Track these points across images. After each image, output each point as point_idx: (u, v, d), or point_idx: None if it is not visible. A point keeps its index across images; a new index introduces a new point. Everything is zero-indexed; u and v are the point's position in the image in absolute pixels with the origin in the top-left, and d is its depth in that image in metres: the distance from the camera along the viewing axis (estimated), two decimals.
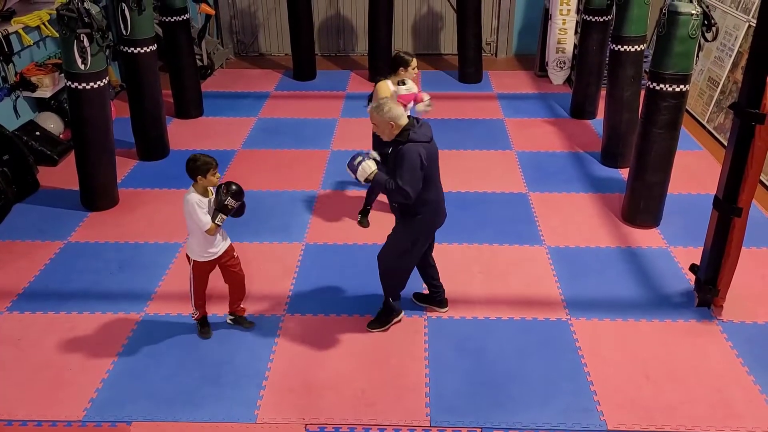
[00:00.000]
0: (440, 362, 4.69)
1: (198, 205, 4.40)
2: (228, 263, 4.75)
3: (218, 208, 4.42)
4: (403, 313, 5.09)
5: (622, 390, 4.47)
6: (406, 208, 4.55)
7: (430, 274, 5.09)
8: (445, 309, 5.19)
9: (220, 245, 4.64)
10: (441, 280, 5.13)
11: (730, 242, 4.87)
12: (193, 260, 4.63)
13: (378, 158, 4.54)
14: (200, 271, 4.68)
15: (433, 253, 5.03)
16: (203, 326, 4.96)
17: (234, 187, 4.44)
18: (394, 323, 5.04)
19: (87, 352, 4.77)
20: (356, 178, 4.46)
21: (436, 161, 4.55)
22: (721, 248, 4.93)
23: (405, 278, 4.91)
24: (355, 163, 4.44)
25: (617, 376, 4.59)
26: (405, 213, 4.59)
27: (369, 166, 4.41)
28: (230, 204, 4.42)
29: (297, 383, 4.52)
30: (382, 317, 5.02)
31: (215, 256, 4.64)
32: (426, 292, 5.22)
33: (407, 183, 4.30)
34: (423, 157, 4.32)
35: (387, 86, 5.85)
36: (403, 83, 5.92)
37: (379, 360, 4.72)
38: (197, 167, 4.35)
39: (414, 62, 5.90)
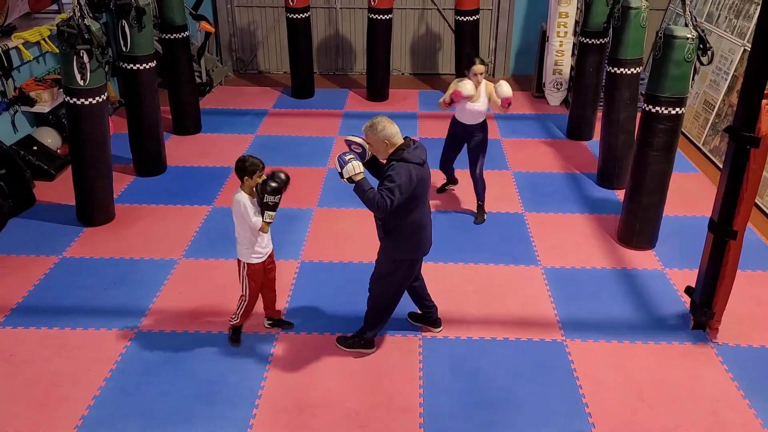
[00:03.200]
0: (434, 383, 4.67)
1: (249, 204, 4.50)
2: (269, 266, 4.85)
3: (263, 207, 4.50)
4: (374, 349, 4.94)
5: (617, 412, 4.45)
6: (389, 227, 4.46)
7: (419, 294, 5.03)
8: (439, 329, 5.17)
9: (269, 245, 4.75)
10: (435, 300, 5.10)
11: (725, 265, 4.87)
12: (246, 263, 4.69)
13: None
14: (254, 272, 4.73)
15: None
16: (238, 334, 5.02)
17: (271, 185, 4.48)
18: (362, 351, 4.92)
19: (79, 369, 4.74)
20: (340, 173, 4.32)
21: (427, 185, 4.47)
22: (716, 271, 4.93)
23: (389, 306, 4.80)
24: (346, 158, 4.32)
25: (612, 398, 4.57)
26: (387, 233, 4.50)
27: (356, 167, 4.27)
28: (270, 201, 4.47)
29: (290, 403, 4.49)
30: (352, 340, 4.93)
31: (266, 256, 4.74)
32: (420, 312, 5.20)
33: (387, 194, 4.19)
34: (414, 177, 4.26)
35: (457, 83, 6.31)
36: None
37: (372, 380, 4.69)
38: (245, 168, 4.48)
39: (475, 68, 6.24)
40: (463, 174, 7.64)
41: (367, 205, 4.27)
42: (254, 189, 4.54)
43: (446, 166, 7.06)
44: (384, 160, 4.44)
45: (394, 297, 4.78)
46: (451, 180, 7.24)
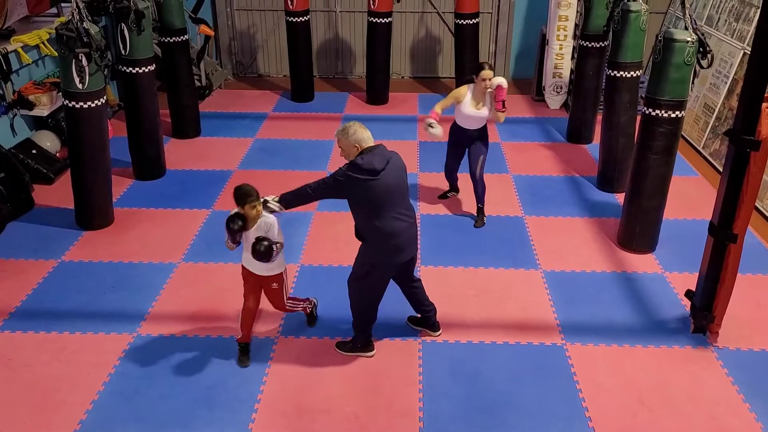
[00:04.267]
0: (434, 387, 4.66)
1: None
2: None
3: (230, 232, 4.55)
4: (374, 352, 4.93)
5: (617, 416, 4.44)
6: (361, 231, 4.56)
7: (417, 300, 5.01)
8: (438, 332, 5.15)
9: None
10: (434, 303, 5.09)
11: (725, 268, 4.86)
12: (281, 272, 4.77)
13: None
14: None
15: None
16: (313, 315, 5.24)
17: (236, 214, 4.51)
18: (359, 355, 4.92)
19: (78, 373, 4.73)
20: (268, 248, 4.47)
21: (387, 194, 4.33)
22: (716, 274, 4.92)
23: (369, 308, 4.77)
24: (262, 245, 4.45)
25: (612, 402, 4.55)
26: (360, 236, 4.61)
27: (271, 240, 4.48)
28: (234, 226, 4.48)
29: (290, 407, 4.48)
30: (350, 345, 4.95)
31: None
32: (419, 315, 5.19)
33: (315, 183, 4.44)
34: (348, 184, 4.29)
35: (461, 89, 6.46)
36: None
37: (372, 384, 4.68)
38: (239, 197, 4.44)
39: (483, 73, 6.21)
40: (463, 177, 7.63)
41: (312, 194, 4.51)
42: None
43: (449, 174, 7.04)
44: None
45: (372, 300, 4.75)
46: (454, 188, 7.21)
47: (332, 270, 5.97)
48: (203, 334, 5.12)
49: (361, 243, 4.61)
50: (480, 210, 6.72)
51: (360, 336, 4.89)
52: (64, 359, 4.85)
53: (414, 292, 4.97)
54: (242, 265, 4.71)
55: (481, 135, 6.53)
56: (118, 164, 7.61)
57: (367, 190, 4.29)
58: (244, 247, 4.61)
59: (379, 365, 4.85)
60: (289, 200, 4.57)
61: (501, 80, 6.23)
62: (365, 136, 4.34)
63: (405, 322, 5.22)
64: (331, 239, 6.42)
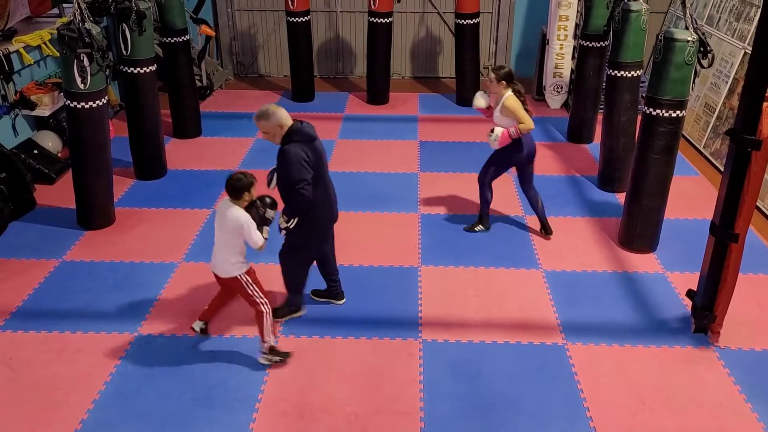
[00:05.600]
0: (435, 387, 4.65)
1: (252, 221, 4.47)
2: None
3: (261, 222, 4.51)
4: (305, 310, 5.27)
5: (619, 416, 4.43)
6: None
7: (330, 270, 5.29)
8: (342, 301, 5.37)
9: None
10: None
11: (726, 268, 4.86)
12: (245, 273, 4.65)
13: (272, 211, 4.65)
14: (253, 274, 4.71)
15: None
16: (280, 354, 4.83)
17: (268, 199, 4.56)
18: (293, 317, 5.22)
19: (79, 373, 4.73)
20: (280, 228, 4.75)
21: (323, 159, 4.75)
22: (717, 274, 4.92)
23: (303, 274, 5.11)
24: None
25: (613, 402, 4.55)
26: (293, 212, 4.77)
27: (280, 219, 4.68)
28: (270, 216, 4.54)
29: (290, 407, 4.48)
30: (283, 311, 5.20)
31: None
32: (325, 287, 5.40)
33: (300, 181, 4.53)
34: (304, 152, 4.54)
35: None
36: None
37: (373, 384, 4.68)
38: (248, 183, 4.44)
39: (490, 75, 6.03)
40: (465, 178, 7.63)
41: (301, 209, 4.66)
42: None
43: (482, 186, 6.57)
44: (279, 143, 4.66)
45: (305, 266, 5.10)
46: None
47: None
48: (214, 333, 5.11)
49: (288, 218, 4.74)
50: (481, 217, 6.62)
51: (297, 299, 5.19)
52: (65, 359, 4.86)
53: (330, 260, 5.22)
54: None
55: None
56: (120, 164, 7.62)
57: (312, 157, 4.60)
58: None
59: (379, 365, 4.85)
60: (290, 212, 4.72)
61: (476, 103, 6.17)
62: (285, 115, 4.61)
63: (309, 296, 5.37)
64: None
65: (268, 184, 4.87)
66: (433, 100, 10.31)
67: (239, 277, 4.63)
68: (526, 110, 6.00)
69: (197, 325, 4.96)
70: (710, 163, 8.09)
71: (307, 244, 4.94)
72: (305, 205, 4.63)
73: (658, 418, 4.42)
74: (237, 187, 4.44)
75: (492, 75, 5.99)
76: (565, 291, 5.70)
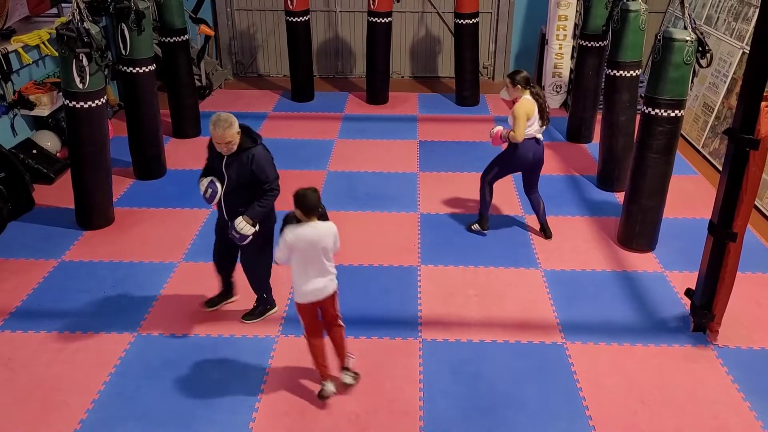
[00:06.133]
0: (435, 386, 4.66)
1: None
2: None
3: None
4: (276, 307, 5.33)
5: (618, 415, 4.44)
6: (247, 205, 4.75)
7: (231, 268, 5.30)
8: (235, 298, 5.41)
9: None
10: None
11: (725, 267, 4.87)
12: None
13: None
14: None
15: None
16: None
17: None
18: (269, 316, 5.29)
19: (78, 373, 4.73)
20: (244, 236, 4.72)
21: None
22: (716, 273, 4.93)
23: (268, 272, 5.17)
24: (235, 233, 4.70)
25: (613, 400, 4.56)
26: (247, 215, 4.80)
27: (243, 224, 4.67)
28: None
29: (290, 406, 4.48)
30: (259, 309, 5.27)
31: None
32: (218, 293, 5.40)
33: (276, 178, 4.71)
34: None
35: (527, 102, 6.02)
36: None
37: (373, 383, 4.68)
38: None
39: (506, 79, 6.15)
40: (464, 177, 7.64)
41: (270, 206, 4.78)
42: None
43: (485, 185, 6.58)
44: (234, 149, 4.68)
45: (270, 263, 5.09)
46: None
47: None
48: (203, 333, 5.12)
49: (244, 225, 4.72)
50: (481, 216, 6.63)
51: (268, 298, 5.26)
52: (65, 359, 4.86)
53: (235, 258, 5.28)
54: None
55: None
56: (119, 164, 7.62)
57: None
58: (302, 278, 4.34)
59: (379, 365, 4.85)
60: (259, 213, 4.76)
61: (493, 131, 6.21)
62: (235, 119, 4.68)
63: (204, 308, 5.37)
64: None
65: (210, 199, 4.75)
66: (433, 100, 10.31)
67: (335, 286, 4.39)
68: (544, 112, 6.08)
69: (329, 388, 4.49)
70: (709, 162, 8.10)
71: (269, 238, 4.98)
72: (273, 201, 4.77)
73: (657, 417, 4.43)
74: (315, 202, 4.29)
75: (507, 79, 6.11)
76: (564, 290, 5.71)
